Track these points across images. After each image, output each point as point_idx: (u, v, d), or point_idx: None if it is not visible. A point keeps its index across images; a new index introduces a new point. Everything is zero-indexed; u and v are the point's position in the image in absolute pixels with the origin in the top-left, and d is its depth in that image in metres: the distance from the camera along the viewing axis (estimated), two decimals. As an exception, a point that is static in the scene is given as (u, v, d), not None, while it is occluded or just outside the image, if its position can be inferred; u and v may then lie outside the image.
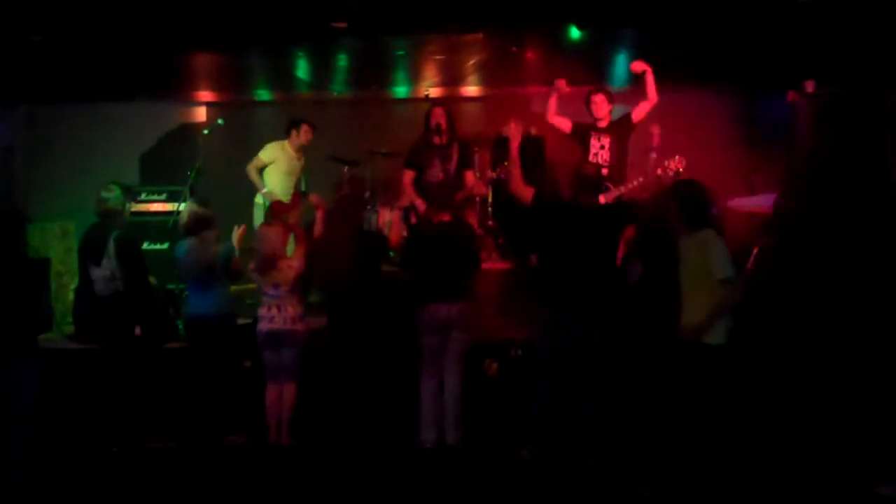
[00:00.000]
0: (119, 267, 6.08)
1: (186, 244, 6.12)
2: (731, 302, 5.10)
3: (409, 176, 7.44)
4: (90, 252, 6.16)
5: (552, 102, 7.70)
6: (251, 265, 6.21)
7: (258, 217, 8.15)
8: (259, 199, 8.33)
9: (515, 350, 6.70)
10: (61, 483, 5.58)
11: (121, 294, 6.10)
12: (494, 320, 7.25)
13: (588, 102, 7.58)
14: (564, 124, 7.70)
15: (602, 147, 7.52)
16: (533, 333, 5.90)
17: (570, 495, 5.33)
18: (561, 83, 7.62)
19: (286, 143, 8.34)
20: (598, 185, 5.93)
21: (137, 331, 6.26)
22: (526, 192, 5.92)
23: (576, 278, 5.53)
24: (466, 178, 7.43)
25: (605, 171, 7.48)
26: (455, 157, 7.39)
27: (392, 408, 6.31)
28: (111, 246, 6.07)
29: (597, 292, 5.55)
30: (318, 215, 6.46)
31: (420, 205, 7.21)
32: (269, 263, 6.07)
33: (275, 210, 6.41)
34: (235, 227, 6.38)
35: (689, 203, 5.30)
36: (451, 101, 8.52)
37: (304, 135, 8.34)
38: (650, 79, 7.49)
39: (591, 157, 7.53)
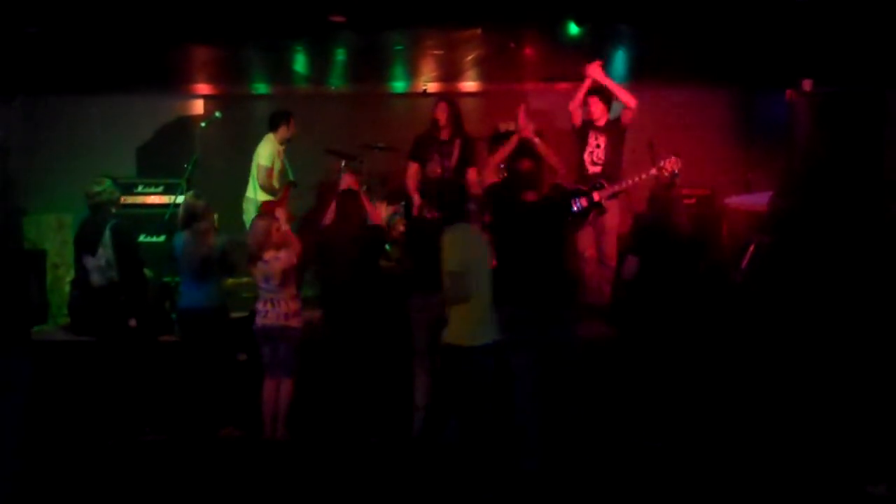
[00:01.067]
0: (114, 256, 6.08)
1: (183, 237, 6.11)
2: (450, 296, 5.13)
3: (412, 168, 7.45)
4: (85, 243, 6.17)
5: (583, 90, 7.61)
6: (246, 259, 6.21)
7: (249, 212, 8.12)
8: (251, 195, 8.27)
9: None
10: (55, 476, 5.57)
11: (115, 284, 6.10)
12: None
13: (584, 103, 7.58)
14: (578, 118, 7.68)
15: (598, 146, 7.54)
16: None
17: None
18: (597, 64, 7.54)
19: (272, 137, 8.27)
20: (536, 182, 5.75)
21: (132, 323, 6.26)
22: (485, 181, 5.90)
23: (526, 274, 5.44)
24: (468, 175, 7.44)
25: (598, 169, 7.50)
26: (456, 153, 7.38)
27: (387, 402, 6.30)
28: (107, 235, 6.08)
29: (547, 287, 5.44)
30: (332, 203, 6.44)
31: (415, 200, 7.21)
32: (253, 254, 6.07)
33: (266, 209, 6.44)
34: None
35: (443, 199, 5.55)
36: (450, 97, 8.50)
37: (293, 127, 8.28)
38: (614, 89, 7.46)
39: (586, 156, 7.55)
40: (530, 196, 5.53)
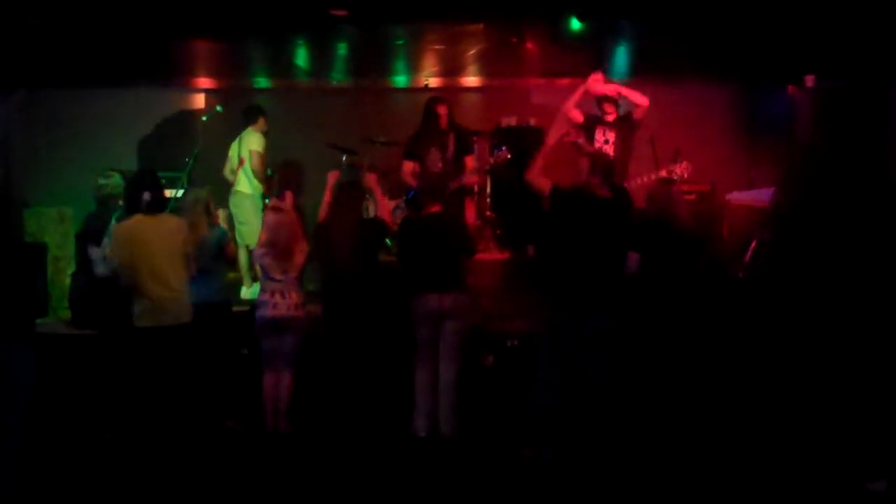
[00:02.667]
0: None
1: None
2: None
3: (408, 167, 7.45)
4: (91, 234, 6.18)
5: (578, 95, 7.57)
6: (258, 251, 6.21)
7: (244, 206, 8.12)
8: (245, 189, 8.24)
9: (512, 341, 6.71)
10: (56, 469, 5.58)
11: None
12: (491, 311, 7.26)
13: (599, 104, 7.53)
14: (578, 116, 7.64)
15: (606, 141, 7.49)
16: (536, 324, 5.86)
17: (568, 491, 5.32)
18: (598, 76, 7.50)
19: (255, 128, 8.27)
20: (612, 173, 5.84)
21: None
22: (543, 183, 5.80)
23: (584, 268, 5.53)
24: (467, 162, 7.44)
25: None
26: (451, 145, 7.40)
27: (388, 396, 6.31)
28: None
29: (604, 281, 5.55)
30: (326, 197, 6.44)
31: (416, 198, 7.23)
32: (285, 249, 6.07)
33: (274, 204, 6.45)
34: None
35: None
36: (450, 91, 8.51)
37: (264, 123, 8.30)
38: (627, 93, 7.41)
39: (594, 151, 7.53)
40: (603, 191, 5.63)
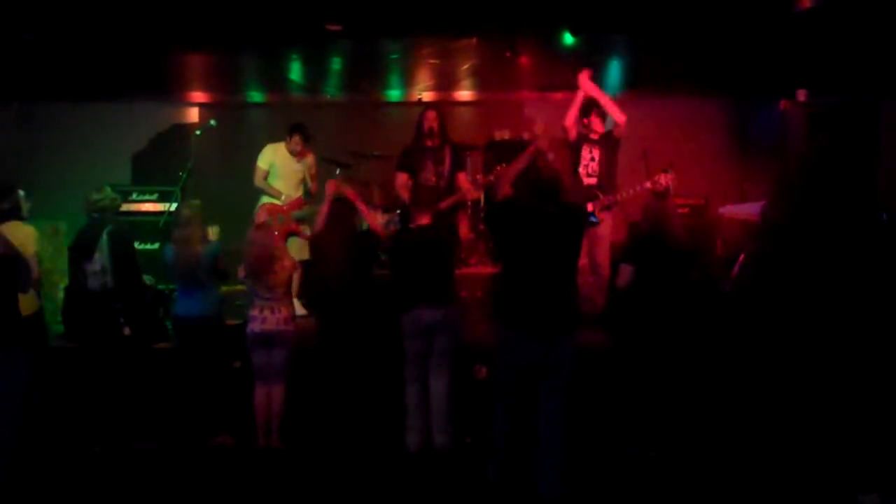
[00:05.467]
0: (110, 261, 6.09)
1: (169, 245, 6.15)
2: None
3: (401, 179, 7.44)
4: (83, 248, 6.19)
5: (576, 106, 7.56)
6: (240, 269, 6.19)
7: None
8: (265, 200, 8.17)
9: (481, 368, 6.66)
10: (44, 481, 5.55)
11: (110, 290, 6.11)
12: (484, 324, 7.26)
13: (583, 118, 7.57)
14: (573, 132, 7.66)
15: (592, 158, 7.55)
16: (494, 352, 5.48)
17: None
18: (584, 76, 7.49)
19: (282, 144, 8.18)
20: (557, 191, 5.50)
21: (127, 331, 6.25)
22: (503, 194, 5.53)
23: (536, 291, 5.11)
24: (459, 180, 7.43)
25: (593, 181, 7.52)
26: (447, 159, 7.39)
27: (381, 410, 6.30)
28: (104, 240, 6.11)
29: (558, 305, 5.14)
30: (324, 208, 6.43)
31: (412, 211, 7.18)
32: (263, 267, 6.06)
33: (262, 212, 6.42)
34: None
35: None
36: (444, 105, 8.52)
37: (292, 142, 7.99)
38: (606, 104, 7.42)
39: (581, 168, 7.56)
40: (551, 207, 5.18)
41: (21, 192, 6.00)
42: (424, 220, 6.16)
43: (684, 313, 6.05)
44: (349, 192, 6.55)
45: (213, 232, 6.36)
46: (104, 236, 6.11)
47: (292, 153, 8.00)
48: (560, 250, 5.14)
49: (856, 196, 7.26)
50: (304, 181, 8.06)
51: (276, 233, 6.28)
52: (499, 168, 7.15)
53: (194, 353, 6.13)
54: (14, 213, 5.80)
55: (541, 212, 5.13)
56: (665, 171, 6.83)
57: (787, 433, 5.81)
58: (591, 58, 8.78)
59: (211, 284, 6.19)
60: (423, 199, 6.43)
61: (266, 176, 7.97)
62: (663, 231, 6.05)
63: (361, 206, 6.56)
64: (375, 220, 7.00)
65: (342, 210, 6.40)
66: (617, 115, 7.38)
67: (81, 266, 6.23)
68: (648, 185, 6.90)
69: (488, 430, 5.40)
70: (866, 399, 5.36)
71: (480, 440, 6.02)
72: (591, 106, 7.53)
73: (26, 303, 5.62)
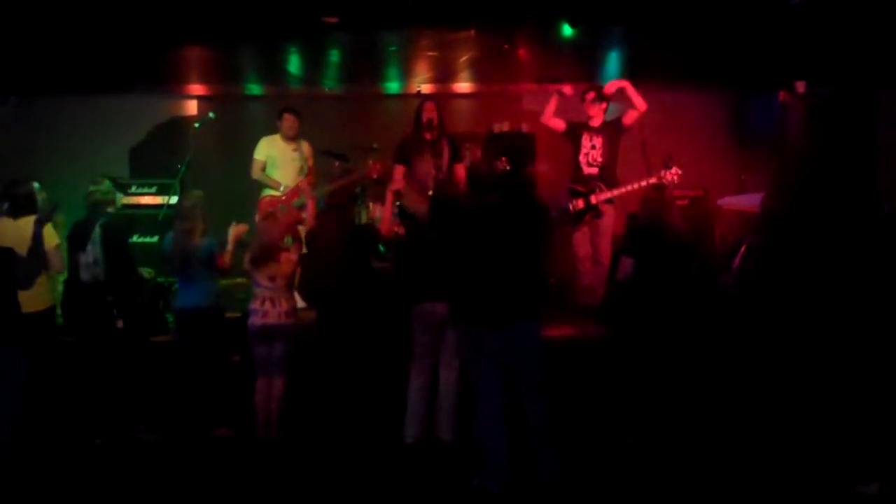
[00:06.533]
0: (102, 254, 6.09)
1: (169, 236, 6.15)
2: None
3: (399, 171, 7.42)
4: (77, 240, 6.18)
5: (552, 104, 7.68)
6: (246, 258, 6.18)
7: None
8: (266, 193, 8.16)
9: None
10: (45, 473, 5.56)
11: (102, 283, 6.10)
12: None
13: (584, 100, 7.61)
14: (559, 125, 7.71)
15: (593, 147, 7.55)
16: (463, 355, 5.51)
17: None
18: (566, 88, 7.61)
19: (277, 136, 8.18)
20: (495, 185, 5.29)
21: (119, 324, 6.24)
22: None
23: (488, 284, 5.06)
24: (457, 172, 7.41)
25: (594, 171, 7.51)
26: (445, 152, 7.37)
27: (381, 403, 6.30)
28: (96, 232, 6.10)
29: (512, 294, 5.08)
30: (309, 206, 6.43)
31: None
32: (266, 255, 6.05)
33: (264, 205, 6.42)
34: (233, 224, 6.30)
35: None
36: (442, 98, 8.51)
37: (285, 123, 7.99)
38: (631, 92, 7.50)
39: (581, 157, 7.56)
40: (494, 198, 5.13)
41: (36, 185, 6.03)
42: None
43: (684, 305, 6.06)
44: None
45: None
46: (97, 229, 6.11)
47: (287, 137, 7.99)
48: (509, 240, 5.09)
49: (855, 187, 7.26)
50: (302, 169, 8.06)
51: (282, 223, 6.28)
52: (500, 163, 7.13)
53: (194, 346, 6.13)
54: (30, 208, 5.84)
55: (482, 206, 5.12)
56: (668, 167, 6.85)
57: (788, 423, 5.82)
58: (593, 61, 8.83)
59: (207, 277, 6.18)
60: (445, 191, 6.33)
61: (264, 168, 7.97)
62: (662, 223, 6.05)
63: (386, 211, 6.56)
64: (388, 219, 6.87)
65: (339, 202, 6.39)
66: (639, 102, 7.43)
67: (76, 258, 6.23)
68: (654, 180, 6.90)
69: (472, 434, 5.33)
70: (866, 389, 5.36)
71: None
72: (584, 91, 7.57)
73: (38, 298, 5.65)
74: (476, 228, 5.10)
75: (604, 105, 7.63)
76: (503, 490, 5.09)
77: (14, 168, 9.30)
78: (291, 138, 8.02)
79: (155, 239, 8.23)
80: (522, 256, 5.13)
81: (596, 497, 5.28)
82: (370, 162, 7.66)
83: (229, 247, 6.14)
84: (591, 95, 7.61)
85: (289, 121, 7.98)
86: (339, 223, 6.29)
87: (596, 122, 7.57)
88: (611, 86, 7.60)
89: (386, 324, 6.34)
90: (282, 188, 7.76)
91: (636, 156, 7.64)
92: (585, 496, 5.25)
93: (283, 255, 6.09)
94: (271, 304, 6.05)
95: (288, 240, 6.24)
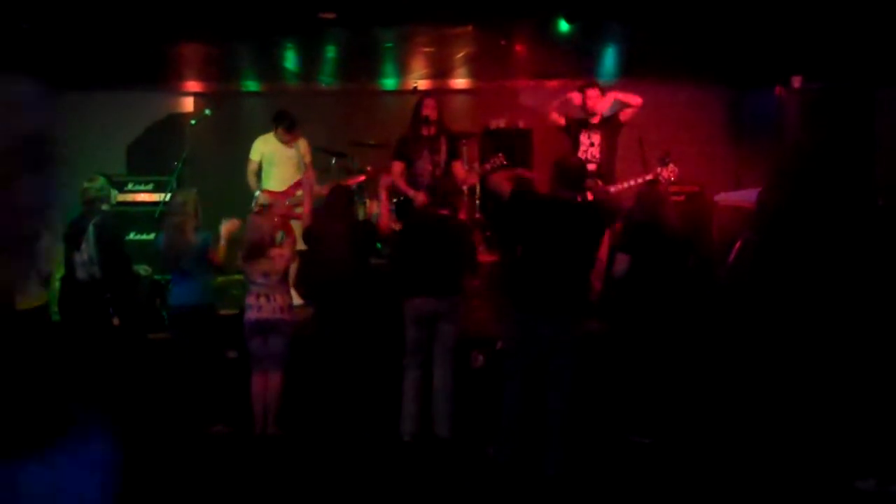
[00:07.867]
0: (97, 252, 6.08)
1: (163, 232, 6.16)
2: None
3: (397, 167, 7.40)
4: (72, 238, 6.17)
5: (557, 103, 7.68)
6: (240, 254, 6.18)
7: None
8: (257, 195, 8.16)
9: (501, 343, 6.70)
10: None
11: (98, 280, 6.09)
12: (481, 312, 7.27)
13: (582, 97, 7.60)
14: (560, 120, 7.71)
15: (592, 144, 7.54)
16: (503, 332, 5.75)
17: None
18: (575, 96, 7.63)
19: (271, 134, 8.16)
20: (583, 179, 5.73)
21: (115, 321, 6.23)
22: (505, 188, 5.60)
23: (552, 278, 5.27)
24: (455, 169, 7.39)
25: (593, 168, 7.51)
26: (443, 148, 7.36)
27: (378, 399, 6.30)
28: (90, 230, 6.08)
29: (572, 292, 5.32)
30: (306, 203, 6.43)
31: (415, 197, 7.10)
32: (257, 251, 6.05)
33: (260, 200, 6.42)
34: (224, 220, 6.30)
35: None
36: (439, 94, 8.50)
37: (279, 135, 8.06)
38: (622, 96, 7.53)
39: (580, 154, 7.55)
40: (577, 199, 5.47)
41: (102, 179, 6.19)
42: (442, 211, 6.14)
43: (680, 300, 6.06)
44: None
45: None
46: (91, 227, 6.09)
47: (282, 142, 8.00)
48: (578, 241, 5.32)
49: (851, 182, 7.26)
50: (299, 166, 8.05)
51: (276, 218, 6.28)
52: (497, 158, 7.14)
53: (189, 343, 6.13)
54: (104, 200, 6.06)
55: (566, 204, 5.35)
56: (664, 164, 6.84)
57: (785, 419, 5.83)
58: (590, 56, 8.83)
59: (201, 273, 6.18)
60: (437, 191, 6.33)
61: (259, 168, 7.99)
62: (658, 219, 6.05)
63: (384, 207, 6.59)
64: (386, 216, 6.85)
65: (337, 200, 6.38)
66: (633, 99, 7.44)
67: (71, 256, 6.22)
68: (651, 177, 6.90)
69: (492, 413, 5.50)
70: (863, 385, 5.36)
71: (480, 427, 6.04)
72: (583, 87, 7.56)
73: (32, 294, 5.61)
74: (555, 221, 5.30)
75: (606, 100, 7.62)
76: (506, 459, 5.35)
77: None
78: (286, 141, 8.03)
79: (151, 236, 8.22)
80: (582, 254, 5.37)
81: (595, 494, 5.29)
82: (368, 168, 7.76)
83: (221, 242, 6.15)
84: (591, 91, 7.59)
85: (280, 133, 8.02)
86: (339, 220, 6.26)
87: (595, 119, 7.55)
88: (604, 105, 7.59)
89: (384, 320, 6.35)
90: (257, 193, 7.81)
91: (633, 152, 7.62)
92: (585, 493, 5.27)
93: (275, 251, 6.08)
94: (266, 299, 6.05)
95: (280, 236, 6.24)
